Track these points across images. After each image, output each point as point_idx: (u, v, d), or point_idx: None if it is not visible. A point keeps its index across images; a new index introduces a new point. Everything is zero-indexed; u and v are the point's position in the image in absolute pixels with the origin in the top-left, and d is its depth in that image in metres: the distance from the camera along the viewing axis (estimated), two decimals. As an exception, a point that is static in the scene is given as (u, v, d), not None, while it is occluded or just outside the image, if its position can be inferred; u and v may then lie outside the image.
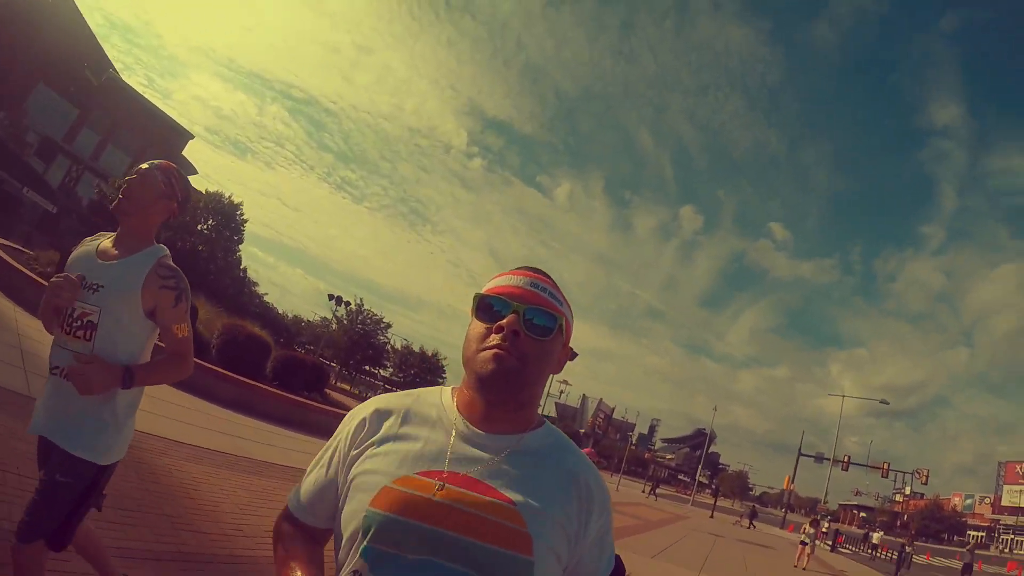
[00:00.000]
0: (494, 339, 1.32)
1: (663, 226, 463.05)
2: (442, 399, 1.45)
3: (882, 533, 49.38)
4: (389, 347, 78.50)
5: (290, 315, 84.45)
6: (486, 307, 1.37)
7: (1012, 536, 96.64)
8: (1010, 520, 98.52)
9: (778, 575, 19.50)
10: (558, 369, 1.45)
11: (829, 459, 50.43)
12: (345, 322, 73.87)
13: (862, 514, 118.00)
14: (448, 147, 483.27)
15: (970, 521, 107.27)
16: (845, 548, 42.77)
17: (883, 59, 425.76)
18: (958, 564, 35.65)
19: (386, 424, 1.40)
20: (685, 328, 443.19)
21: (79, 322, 2.65)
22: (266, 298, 71.74)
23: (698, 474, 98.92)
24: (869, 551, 42.79)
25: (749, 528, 41.72)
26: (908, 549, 32.28)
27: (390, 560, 1.21)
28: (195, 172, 62.19)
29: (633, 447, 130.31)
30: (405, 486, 1.26)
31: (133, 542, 5.08)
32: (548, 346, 1.36)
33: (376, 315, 75.90)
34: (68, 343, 2.68)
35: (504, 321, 1.32)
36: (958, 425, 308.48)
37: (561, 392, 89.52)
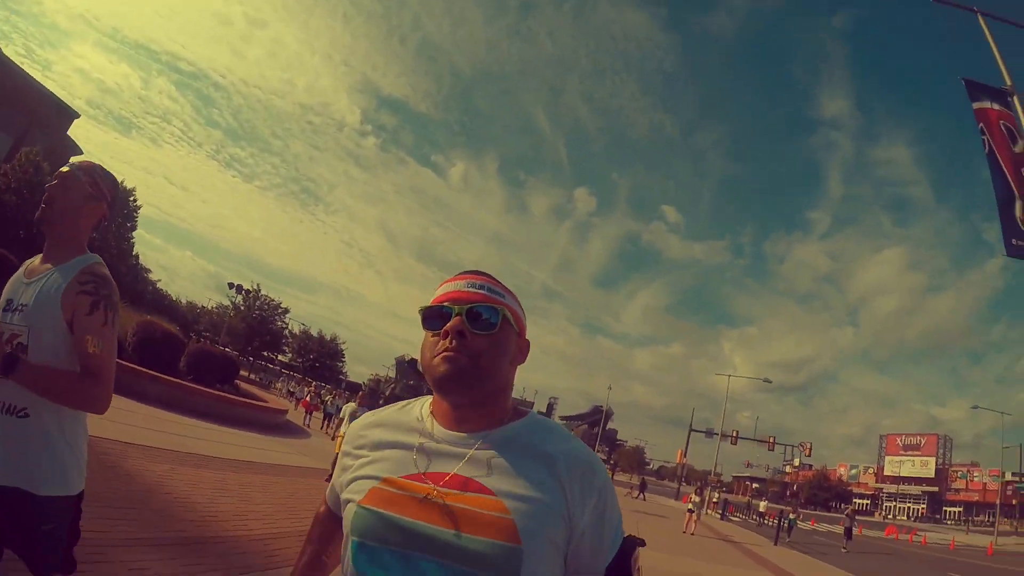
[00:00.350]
0: (443, 344, 1.37)
1: (558, 207, 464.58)
2: (421, 409, 1.53)
3: (767, 502, 51.48)
4: (287, 332, 78.56)
5: (184, 301, 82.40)
6: (431, 317, 1.43)
7: (894, 503, 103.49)
8: (892, 488, 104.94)
9: (668, 541, 20.45)
10: (521, 359, 1.53)
11: (718, 434, 52.61)
12: (243, 308, 73.82)
13: (755, 485, 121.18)
14: (341, 125, 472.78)
15: (855, 490, 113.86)
16: (735, 517, 44.89)
17: (777, 50, 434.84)
18: (840, 529, 37.87)
19: (376, 434, 1.50)
20: (582, 308, 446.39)
21: (9, 345, 2.41)
22: (158, 284, 70.59)
23: (595, 450, 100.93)
24: (755, 518, 45.08)
25: (639, 498, 43.54)
26: (791, 515, 33.60)
27: (377, 553, 1.29)
28: (80, 153, 58.67)
29: None
30: (391, 486, 1.35)
31: (136, 532, 6.23)
32: (497, 338, 1.41)
33: (273, 300, 76.31)
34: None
35: (449, 325, 1.38)
36: (845, 399, 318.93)
37: None
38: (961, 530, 70.23)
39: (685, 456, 57.73)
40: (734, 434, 52.13)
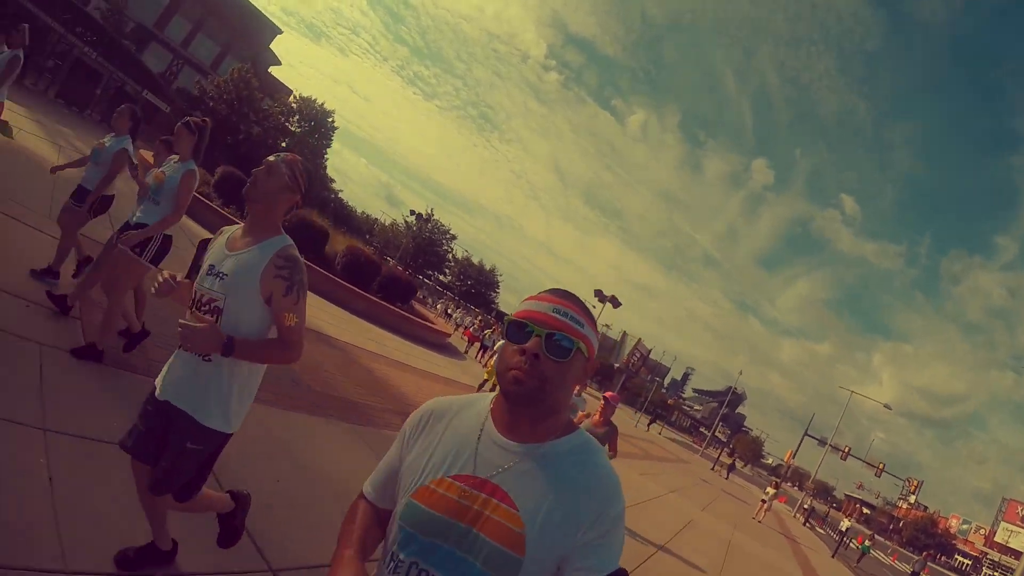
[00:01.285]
0: (518, 360, 1.50)
1: (733, 175, 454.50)
2: (482, 407, 1.69)
3: (853, 521, 51.32)
4: (451, 256, 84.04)
5: (359, 211, 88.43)
6: (514, 329, 1.56)
7: (995, 573, 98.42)
8: (995, 556, 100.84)
9: (734, 518, 23.24)
10: (582, 381, 1.75)
11: (829, 445, 51.13)
12: (414, 228, 79.50)
13: (865, 510, 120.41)
14: (525, 57, 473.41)
15: (960, 545, 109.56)
16: (819, 529, 45.22)
17: (990, 52, 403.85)
18: (908, 570, 37.84)
19: (437, 426, 1.69)
20: (737, 283, 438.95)
21: (207, 307, 2.92)
22: (340, 194, 75.88)
23: (716, 430, 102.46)
24: (836, 535, 44.77)
25: (726, 478, 46.37)
26: (868, 543, 34.25)
27: (413, 540, 1.51)
28: (279, 63, 65.39)
29: (663, 391, 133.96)
30: (439, 487, 1.54)
31: (385, 404, 10.13)
32: (568, 366, 1.53)
33: (443, 225, 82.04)
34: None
35: (527, 345, 1.51)
36: (986, 450, 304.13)
37: (606, 327, 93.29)
38: None
39: (794, 457, 59.30)
40: (846, 449, 50.85)
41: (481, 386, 18.36)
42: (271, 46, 63.87)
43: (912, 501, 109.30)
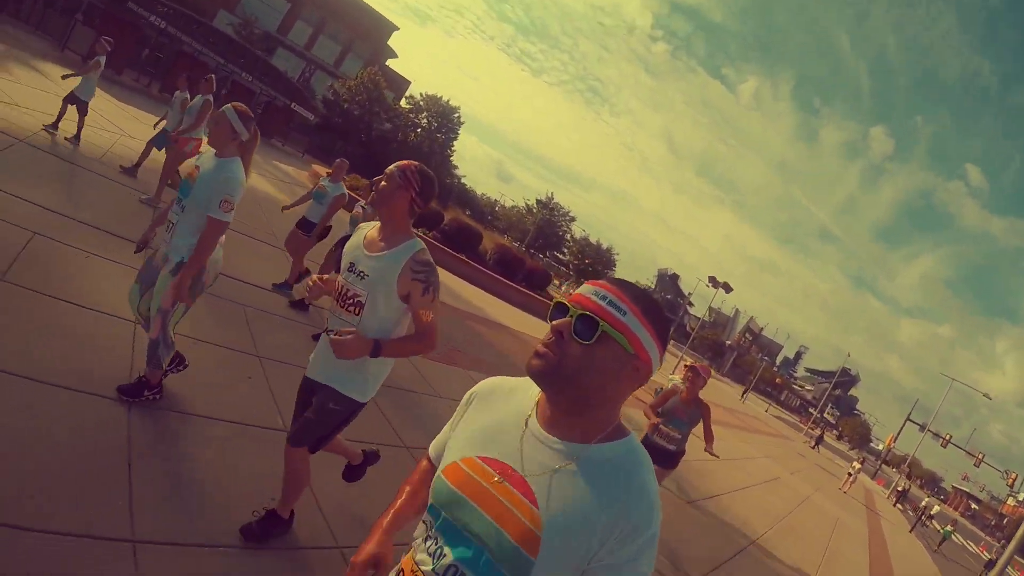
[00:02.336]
0: (546, 336, 1.46)
1: (850, 144, 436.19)
2: (533, 393, 1.63)
3: (941, 507, 52.45)
4: (569, 236, 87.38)
5: (480, 194, 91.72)
6: (555, 310, 1.49)
7: None
8: None
9: (822, 484, 26.31)
10: (637, 380, 1.50)
11: (928, 430, 52.40)
12: (535, 212, 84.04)
13: (973, 505, 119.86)
14: (632, 28, 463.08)
15: None
16: (909, 512, 45.17)
17: None
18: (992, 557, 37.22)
19: (485, 404, 1.69)
20: (855, 258, 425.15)
21: (351, 300, 3.36)
22: (463, 179, 78.72)
23: (825, 410, 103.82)
24: (924, 517, 44.35)
25: (814, 449, 50.06)
26: (950, 528, 35.81)
27: (437, 516, 1.55)
28: (396, 56, 68.61)
29: (775, 369, 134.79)
30: (468, 467, 1.54)
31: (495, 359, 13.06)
32: (594, 350, 1.42)
33: (564, 208, 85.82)
34: (341, 315, 3.41)
35: (556, 322, 1.45)
36: None
37: (722, 302, 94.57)
38: None
39: (895, 441, 61.15)
40: (947, 437, 50.76)
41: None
42: (388, 42, 67.02)
43: (1021, 498, 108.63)
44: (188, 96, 12.50)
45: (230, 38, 42.88)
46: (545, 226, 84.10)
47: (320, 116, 50.66)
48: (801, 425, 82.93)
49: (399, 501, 1.88)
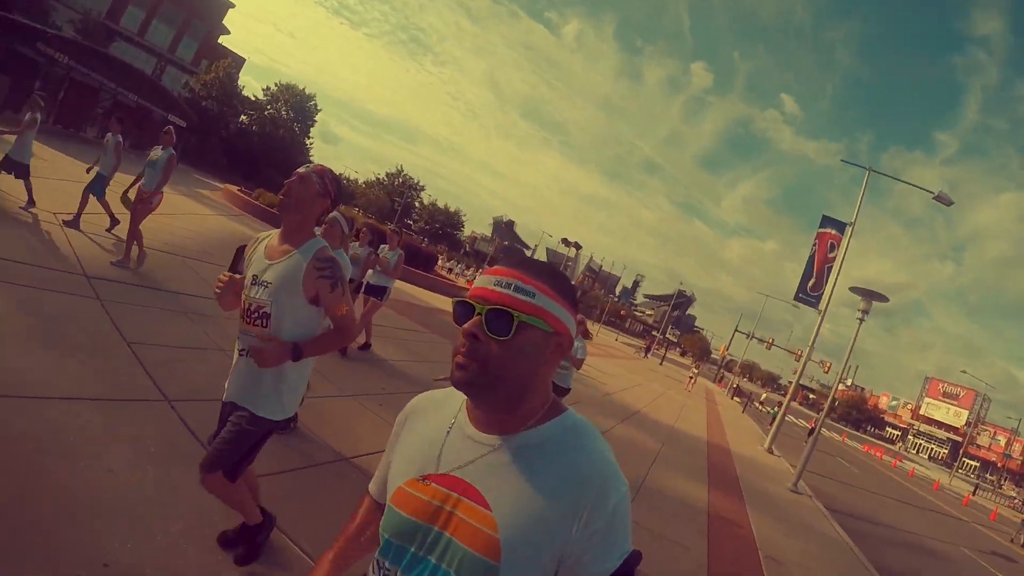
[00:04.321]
0: (460, 342, 1.37)
1: (672, 79, 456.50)
2: (459, 398, 1.56)
3: (768, 394, 63.56)
4: (417, 204, 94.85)
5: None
6: (460, 310, 1.40)
7: (921, 441, 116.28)
8: (924, 428, 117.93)
9: (668, 385, 34.96)
10: (560, 355, 1.45)
11: (753, 337, 63.94)
12: (386, 183, 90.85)
13: (811, 395, 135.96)
14: None
15: (890, 420, 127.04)
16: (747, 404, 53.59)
17: None
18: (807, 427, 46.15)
19: (418, 420, 1.61)
20: (682, 187, 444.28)
21: (256, 314, 3.28)
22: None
23: (666, 331, 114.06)
24: (757, 403, 53.49)
25: (644, 357, 60.55)
26: (775, 409, 39.36)
27: (391, 547, 1.44)
28: (228, 33, 64.95)
29: (616, 300, 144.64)
30: (414, 489, 1.44)
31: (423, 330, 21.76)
32: (514, 342, 1.35)
33: (413, 179, 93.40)
34: (250, 331, 3.33)
35: (466, 326, 1.37)
36: (929, 337, 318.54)
37: (560, 243, 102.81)
38: (960, 478, 75.14)
39: (728, 350, 71.27)
40: (770, 340, 58.86)
41: None
42: (224, 21, 64.32)
43: (850, 383, 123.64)
44: (120, 139, 12.58)
45: (110, 56, 41.11)
46: (398, 197, 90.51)
47: (189, 120, 48.18)
48: (656, 349, 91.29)
49: (343, 538, 1.74)
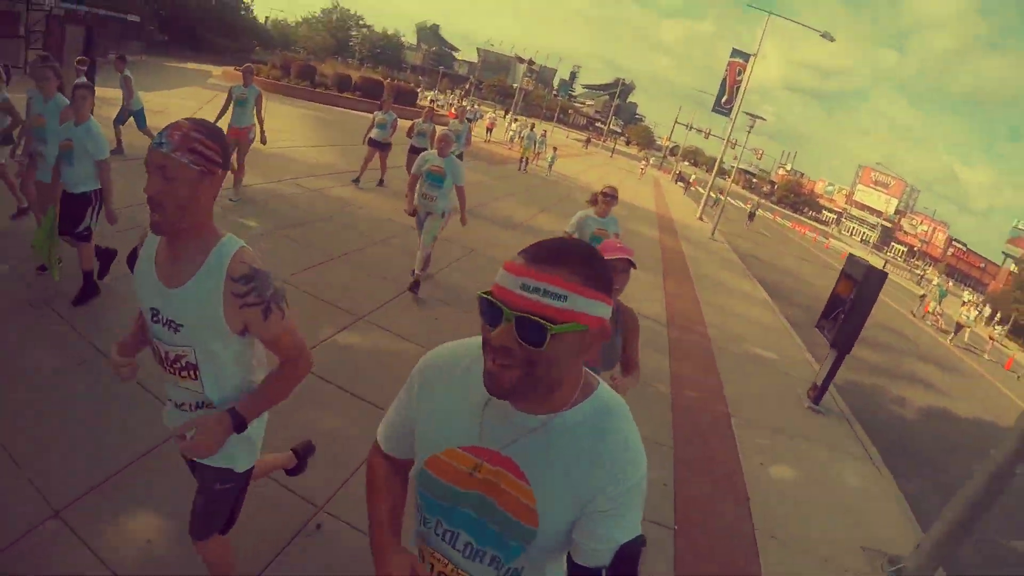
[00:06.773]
0: (491, 352, 1.33)
1: None
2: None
3: (695, 176, 70.93)
4: (354, 33, 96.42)
5: (268, 21, 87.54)
6: (485, 308, 1.34)
7: (854, 225, 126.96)
8: (856, 213, 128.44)
9: (620, 176, 41.33)
10: (591, 351, 1.41)
11: (691, 127, 66.20)
12: (324, 20, 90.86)
13: (754, 180, 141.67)
14: None
15: (825, 204, 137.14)
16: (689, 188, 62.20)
17: None
18: (747, 209, 52.18)
19: (439, 388, 1.59)
20: None
21: (179, 363, 2.50)
22: (249, 13, 73.90)
23: (610, 123, 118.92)
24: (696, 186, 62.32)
25: (586, 148, 66.92)
26: (720, 195, 39.08)
27: (434, 505, 1.58)
28: None
29: (555, 95, 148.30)
30: (448, 457, 1.53)
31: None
32: (551, 347, 1.28)
33: (349, 11, 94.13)
34: (179, 383, 2.56)
35: (495, 335, 1.31)
36: (870, 123, 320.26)
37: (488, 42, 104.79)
38: (879, 256, 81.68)
39: (670, 139, 79.26)
40: (707, 130, 60.07)
41: (522, 160, 28.53)
42: None
43: (788, 168, 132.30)
44: (129, 74, 12.76)
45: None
46: (340, 34, 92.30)
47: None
48: (595, 140, 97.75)
49: (383, 507, 1.75)
